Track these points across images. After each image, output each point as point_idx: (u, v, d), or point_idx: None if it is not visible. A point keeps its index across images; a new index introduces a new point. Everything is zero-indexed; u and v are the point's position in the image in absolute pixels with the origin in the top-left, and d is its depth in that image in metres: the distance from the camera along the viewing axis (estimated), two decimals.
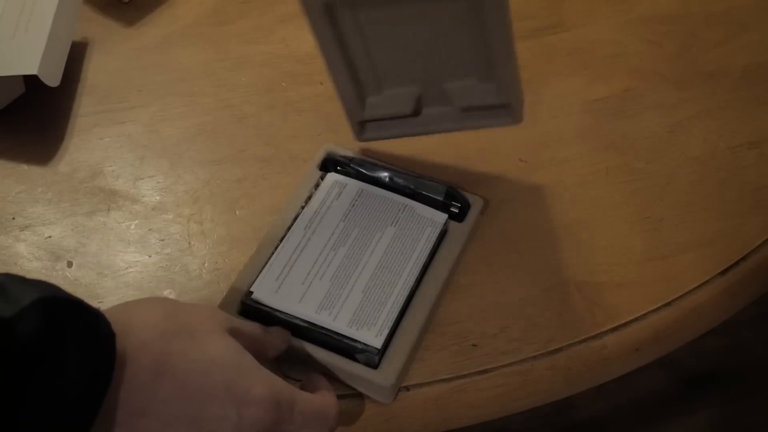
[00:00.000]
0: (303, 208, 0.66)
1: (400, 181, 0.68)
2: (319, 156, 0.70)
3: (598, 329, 0.65)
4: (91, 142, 0.73)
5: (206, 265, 0.66)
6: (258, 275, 0.62)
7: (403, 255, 0.64)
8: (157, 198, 0.70)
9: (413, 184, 0.68)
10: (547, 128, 0.77)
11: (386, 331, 0.60)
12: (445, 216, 0.66)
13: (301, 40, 0.80)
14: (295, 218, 0.66)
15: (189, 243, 0.68)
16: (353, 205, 0.66)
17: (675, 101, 0.79)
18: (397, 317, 0.61)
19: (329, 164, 0.70)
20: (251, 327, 0.58)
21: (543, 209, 0.71)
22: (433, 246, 0.65)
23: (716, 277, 0.68)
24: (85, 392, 0.46)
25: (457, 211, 0.68)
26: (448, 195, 0.68)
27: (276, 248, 0.64)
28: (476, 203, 0.68)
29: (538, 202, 0.72)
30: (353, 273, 0.63)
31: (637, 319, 0.65)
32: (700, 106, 0.79)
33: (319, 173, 0.69)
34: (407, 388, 0.61)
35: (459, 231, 0.67)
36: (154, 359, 0.48)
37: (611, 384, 0.66)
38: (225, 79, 0.77)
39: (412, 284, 0.63)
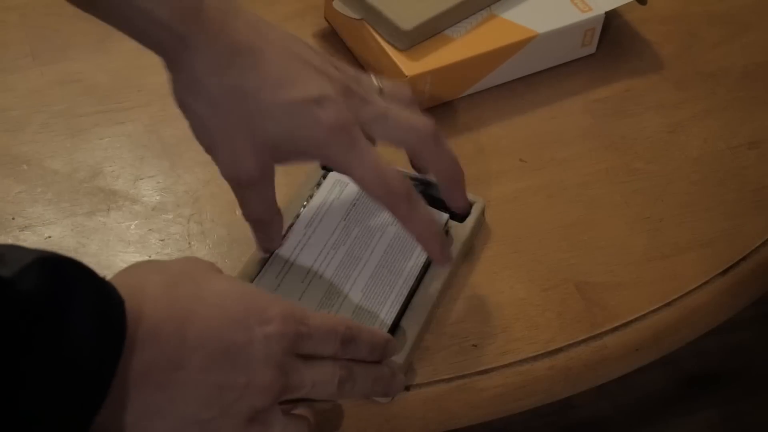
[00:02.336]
0: (304, 207, 0.66)
1: None
2: None
3: (598, 329, 0.65)
4: (91, 142, 0.73)
5: None
6: (258, 273, 0.62)
7: (403, 255, 0.64)
8: (157, 198, 0.70)
9: (414, 183, 0.68)
10: (547, 128, 0.77)
11: (386, 331, 0.60)
12: (446, 216, 0.66)
13: None
14: (296, 217, 0.66)
15: (189, 243, 0.68)
16: (354, 205, 0.66)
17: (675, 101, 0.79)
18: (396, 317, 0.61)
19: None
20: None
21: (543, 209, 0.71)
22: None
23: (716, 277, 0.68)
24: (97, 355, 0.44)
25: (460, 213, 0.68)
26: None
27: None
28: (478, 203, 0.68)
29: (538, 202, 0.72)
30: (353, 272, 0.63)
31: (637, 319, 0.66)
32: (700, 106, 0.79)
33: (321, 172, 0.69)
34: (407, 388, 0.61)
35: (460, 231, 0.67)
36: (169, 310, 0.48)
37: (611, 384, 0.66)
38: None
39: (411, 284, 0.63)
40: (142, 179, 0.71)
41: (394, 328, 0.61)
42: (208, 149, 0.59)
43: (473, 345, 0.63)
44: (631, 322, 0.65)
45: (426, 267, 0.64)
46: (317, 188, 0.68)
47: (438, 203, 0.67)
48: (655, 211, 0.72)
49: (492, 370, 0.62)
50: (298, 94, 0.56)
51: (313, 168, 0.69)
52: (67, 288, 0.44)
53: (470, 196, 0.68)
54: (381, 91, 0.60)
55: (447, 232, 0.66)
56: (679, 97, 0.80)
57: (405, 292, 0.62)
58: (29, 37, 0.79)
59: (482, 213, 0.69)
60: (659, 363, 0.67)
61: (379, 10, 0.74)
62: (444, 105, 0.77)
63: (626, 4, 0.80)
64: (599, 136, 0.76)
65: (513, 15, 0.78)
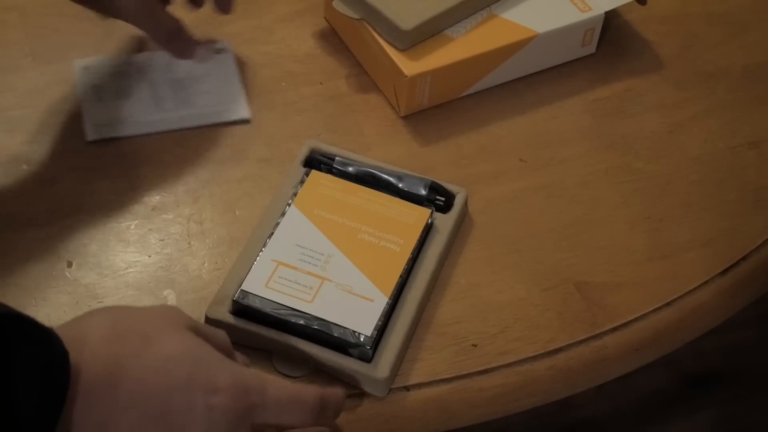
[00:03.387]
0: (289, 205, 0.66)
1: (383, 177, 0.68)
2: (302, 152, 0.70)
3: (598, 329, 0.65)
4: (93, 143, 0.73)
5: (206, 265, 0.66)
6: (248, 274, 0.62)
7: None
8: (157, 198, 0.70)
9: (396, 179, 0.68)
10: (547, 128, 0.77)
11: (378, 325, 0.60)
12: (429, 211, 0.66)
13: (301, 40, 0.80)
14: (282, 215, 0.66)
15: (189, 243, 0.68)
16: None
17: (675, 101, 0.79)
18: (388, 311, 0.61)
19: (313, 161, 0.70)
20: (216, 332, 0.55)
21: (543, 209, 0.71)
22: (420, 239, 0.65)
23: (716, 277, 0.68)
24: (39, 413, 0.44)
25: (442, 203, 0.68)
26: (432, 189, 0.68)
27: (264, 245, 0.64)
28: (460, 194, 0.68)
29: (538, 202, 0.72)
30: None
31: (637, 319, 0.66)
32: (700, 106, 0.79)
33: (303, 170, 0.69)
34: (407, 388, 0.61)
35: (445, 223, 0.67)
36: (106, 368, 0.47)
37: (611, 384, 0.66)
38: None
39: (397, 283, 0.63)
40: (142, 179, 0.71)
41: (386, 322, 0.61)
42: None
43: (473, 345, 0.63)
44: (631, 322, 0.65)
45: (414, 260, 0.64)
46: (301, 185, 0.67)
47: (418, 198, 0.67)
48: (655, 211, 0.72)
49: (492, 370, 0.62)
50: None
51: (295, 165, 0.69)
52: (8, 348, 0.43)
53: (453, 187, 0.69)
54: None
55: (431, 224, 0.66)
56: (679, 97, 0.80)
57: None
58: (29, 37, 0.79)
59: (465, 203, 0.69)
60: (659, 363, 0.67)
61: (379, 10, 0.74)
62: (444, 105, 0.77)
63: (626, 4, 0.80)
64: (599, 136, 0.76)
65: (513, 15, 0.78)
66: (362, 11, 0.76)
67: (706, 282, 0.68)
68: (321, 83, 0.78)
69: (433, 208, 0.67)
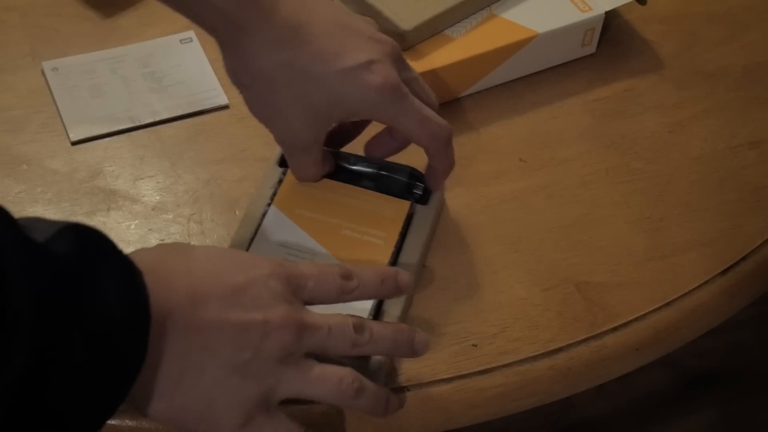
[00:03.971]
0: (269, 205, 0.66)
1: (363, 166, 0.68)
2: (277, 152, 0.69)
3: (598, 329, 0.65)
4: (91, 142, 0.73)
5: None
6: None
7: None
8: (157, 198, 0.70)
9: (377, 167, 0.68)
10: (547, 128, 0.77)
11: (369, 318, 0.60)
12: (408, 203, 0.67)
13: None
14: (263, 216, 0.66)
15: (189, 243, 0.68)
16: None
17: (675, 101, 0.79)
18: (377, 304, 0.62)
19: None
20: None
21: (543, 209, 0.71)
22: (402, 232, 0.65)
23: (716, 277, 0.68)
24: (132, 308, 0.47)
25: (420, 192, 0.68)
26: (412, 176, 0.68)
27: (248, 247, 0.64)
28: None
29: (538, 202, 0.72)
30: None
31: (637, 319, 0.65)
32: (700, 106, 0.79)
33: (280, 170, 0.69)
34: (407, 388, 0.61)
35: (425, 214, 0.67)
36: (168, 269, 0.51)
37: (611, 384, 0.66)
38: (225, 79, 0.77)
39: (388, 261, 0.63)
40: (142, 179, 0.71)
41: (374, 317, 0.61)
42: (265, 122, 0.63)
43: (473, 345, 0.63)
44: (631, 322, 0.65)
45: (397, 253, 0.65)
46: (279, 185, 0.67)
47: (399, 185, 0.67)
48: (655, 211, 0.72)
49: (492, 370, 0.62)
50: (347, 62, 0.60)
51: (270, 166, 0.69)
52: (95, 251, 0.46)
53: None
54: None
55: (411, 216, 0.67)
56: (679, 97, 0.80)
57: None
58: (29, 37, 0.79)
59: (442, 194, 0.69)
60: (659, 363, 0.67)
61: (379, 10, 0.74)
62: (444, 105, 0.77)
63: (626, 4, 0.80)
64: (599, 136, 0.76)
65: (513, 15, 0.78)
66: (362, 11, 0.76)
67: (706, 282, 0.68)
68: None
69: (413, 200, 0.67)
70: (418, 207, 0.67)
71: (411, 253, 0.65)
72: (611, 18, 0.82)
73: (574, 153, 0.75)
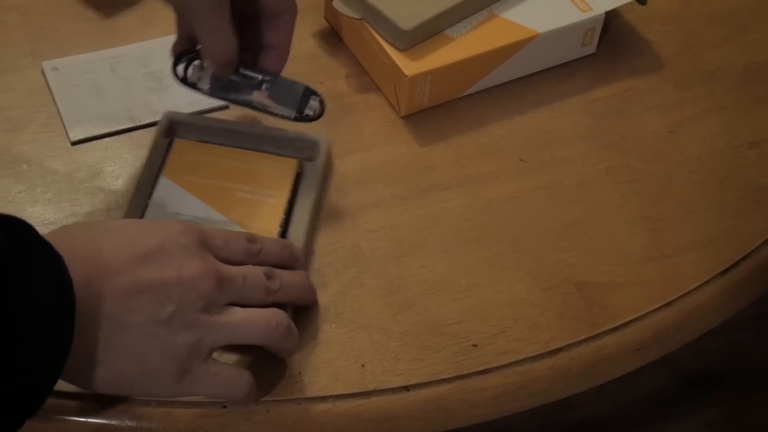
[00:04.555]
0: (159, 176, 0.67)
1: (253, 80, 0.67)
2: (162, 124, 0.70)
3: (598, 329, 0.65)
4: (91, 142, 0.73)
5: None
6: None
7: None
8: None
9: (268, 83, 0.67)
10: (547, 128, 0.77)
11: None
12: (295, 161, 0.68)
13: (301, 40, 0.80)
14: (153, 187, 0.66)
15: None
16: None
17: (675, 101, 0.79)
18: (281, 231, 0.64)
19: (175, 129, 0.70)
20: None
21: (543, 209, 0.71)
22: (293, 188, 0.67)
23: (716, 277, 0.68)
24: (56, 293, 0.48)
25: (312, 113, 0.67)
26: (306, 93, 0.68)
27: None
28: (323, 142, 0.70)
29: (538, 202, 0.72)
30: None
31: (637, 319, 0.66)
32: (700, 106, 0.79)
33: (166, 140, 0.69)
34: (407, 388, 0.61)
35: (313, 170, 0.69)
36: (73, 242, 0.53)
37: (611, 384, 0.66)
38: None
39: (278, 232, 0.64)
40: None
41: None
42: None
43: (473, 345, 0.63)
44: (631, 322, 0.65)
45: (289, 214, 0.66)
46: (168, 154, 0.68)
47: (290, 104, 0.67)
48: (655, 211, 0.72)
49: (492, 370, 0.62)
50: None
51: (156, 136, 0.69)
52: (18, 236, 0.48)
53: (315, 136, 0.70)
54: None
55: (301, 173, 0.68)
56: (679, 97, 0.80)
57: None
58: (29, 37, 0.79)
59: (329, 150, 0.70)
60: (659, 363, 0.67)
61: (379, 9, 0.74)
62: (444, 105, 0.77)
63: (626, 4, 0.80)
64: (599, 136, 0.76)
65: (513, 15, 0.78)
66: (362, 11, 0.76)
67: (706, 282, 0.68)
68: (321, 83, 0.78)
69: (300, 159, 0.69)
70: (306, 164, 0.69)
71: (303, 208, 0.67)
72: (611, 18, 0.82)
73: (574, 153, 0.75)
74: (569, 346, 0.64)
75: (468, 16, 0.77)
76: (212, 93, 0.67)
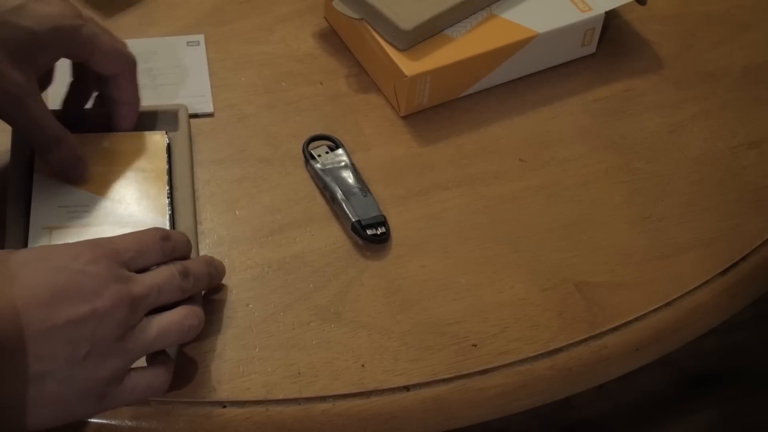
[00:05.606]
0: (31, 176, 0.65)
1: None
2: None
3: (598, 329, 0.65)
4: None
5: None
6: (27, 246, 0.62)
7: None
8: None
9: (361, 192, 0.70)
10: (546, 128, 0.77)
11: None
12: (162, 132, 0.69)
13: (301, 40, 0.80)
14: (29, 188, 0.65)
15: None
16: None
17: (675, 101, 0.79)
18: (173, 226, 0.64)
19: None
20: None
21: (543, 209, 0.71)
22: (168, 159, 0.68)
23: (716, 277, 0.68)
24: None
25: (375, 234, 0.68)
26: (380, 218, 0.68)
27: (28, 217, 0.63)
28: (181, 110, 0.71)
29: (538, 202, 0.72)
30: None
31: (637, 319, 0.66)
32: (700, 106, 0.79)
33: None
34: (407, 388, 0.61)
35: (180, 138, 0.70)
36: None
37: (611, 384, 0.66)
38: (225, 79, 0.77)
39: (167, 203, 0.65)
40: None
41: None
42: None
43: (473, 345, 0.63)
44: (631, 322, 0.65)
45: (171, 185, 0.67)
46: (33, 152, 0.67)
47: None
48: (655, 211, 0.72)
49: (492, 370, 0.62)
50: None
51: (13, 139, 0.68)
52: None
53: (171, 106, 0.71)
54: None
55: (170, 143, 0.69)
56: (679, 97, 0.80)
57: (167, 212, 0.65)
58: None
59: (186, 115, 0.71)
60: (659, 363, 0.67)
61: (379, 10, 0.74)
62: (444, 105, 0.77)
63: (626, 4, 0.80)
64: (599, 136, 0.76)
65: (513, 15, 0.78)
66: (362, 11, 0.76)
67: (706, 282, 0.68)
68: (321, 83, 0.78)
69: (166, 130, 0.69)
70: (172, 134, 0.69)
71: (182, 176, 0.67)
72: (611, 18, 0.82)
73: (574, 153, 0.75)
74: (569, 346, 0.64)
75: (468, 16, 0.77)
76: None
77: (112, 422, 0.57)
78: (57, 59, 0.65)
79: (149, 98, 0.73)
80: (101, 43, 0.64)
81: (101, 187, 0.65)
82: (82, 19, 0.64)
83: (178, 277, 0.57)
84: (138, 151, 0.68)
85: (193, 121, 0.73)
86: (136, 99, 0.68)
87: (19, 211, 0.64)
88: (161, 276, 0.57)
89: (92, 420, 0.57)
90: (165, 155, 0.68)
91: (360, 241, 0.67)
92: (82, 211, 0.64)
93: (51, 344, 0.51)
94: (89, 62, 0.65)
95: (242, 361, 0.61)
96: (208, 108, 0.75)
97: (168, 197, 0.66)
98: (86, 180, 0.65)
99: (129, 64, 0.66)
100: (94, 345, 0.52)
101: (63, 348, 0.51)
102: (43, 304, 0.51)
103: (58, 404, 0.52)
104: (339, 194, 0.69)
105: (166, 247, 0.58)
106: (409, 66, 0.73)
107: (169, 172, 0.67)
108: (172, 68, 0.77)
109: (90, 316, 0.52)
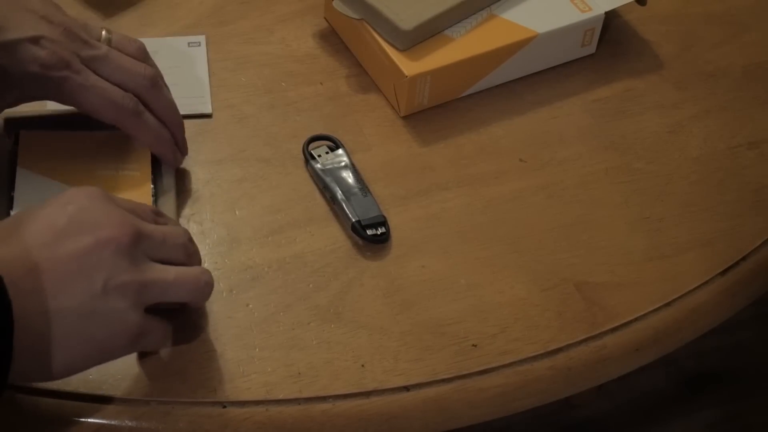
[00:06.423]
0: (16, 169, 0.65)
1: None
2: None
3: (598, 329, 0.65)
4: None
5: (206, 265, 0.66)
6: None
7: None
8: None
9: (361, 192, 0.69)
10: (546, 128, 0.77)
11: None
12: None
13: (301, 40, 0.81)
14: (12, 183, 0.64)
15: None
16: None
17: (675, 101, 0.79)
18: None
19: (19, 127, 0.68)
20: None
21: (543, 209, 0.71)
22: (152, 157, 0.68)
23: (716, 277, 0.68)
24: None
25: (375, 234, 0.68)
26: (380, 218, 0.68)
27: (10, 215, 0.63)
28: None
29: (538, 202, 0.72)
30: None
31: (637, 319, 0.66)
32: (700, 106, 0.79)
33: (11, 136, 0.68)
34: (407, 388, 0.61)
35: None
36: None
37: (611, 384, 0.66)
38: (225, 79, 0.77)
39: (152, 201, 0.66)
40: None
41: None
42: None
43: (473, 345, 0.63)
44: (631, 322, 0.65)
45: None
46: (16, 147, 0.66)
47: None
48: (655, 211, 0.72)
49: (492, 370, 0.62)
50: (10, 35, 0.61)
51: None
52: None
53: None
54: (109, 41, 0.66)
55: None
56: (679, 97, 0.80)
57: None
58: None
59: None
60: (659, 363, 0.67)
61: (379, 10, 0.74)
62: (444, 105, 0.77)
63: (626, 4, 0.80)
64: (599, 136, 0.76)
65: (513, 15, 0.78)
66: (362, 11, 0.76)
67: (706, 282, 0.68)
68: (321, 83, 0.78)
69: None
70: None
71: (168, 175, 0.67)
72: (611, 18, 0.82)
73: (573, 153, 0.75)
74: (569, 346, 0.64)
75: (468, 17, 0.77)
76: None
77: (112, 422, 0.57)
78: (28, 101, 0.65)
79: None
80: (87, 99, 0.63)
81: (85, 183, 0.63)
82: (69, 69, 0.62)
83: (182, 236, 0.58)
84: (123, 150, 0.67)
85: (192, 121, 0.73)
86: (156, 138, 0.66)
87: (1, 207, 0.64)
88: (168, 228, 0.57)
89: (92, 420, 0.57)
90: (149, 155, 0.67)
91: (360, 241, 0.67)
92: None
93: (63, 279, 0.51)
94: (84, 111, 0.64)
95: (242, 361, 0.61)
96: (207, 109, 0.75)
97: (153, 196, 0.66)
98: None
99: (125, 112, 0.64)
100: (108, 277, 0.52)
101: (76, 282, 0.52)
102: (49, 243, 0.51)
103: (87, 342, 0.52)
104: (339, 194, 0.69)
105: (159, 220, 0.59)
106: (409, 66, 0.74)
107: (154, 172, 0.67)
108: (172, 68, 0.77)
109: (94, 245, 0.52)
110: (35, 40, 0.61)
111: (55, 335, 0.51)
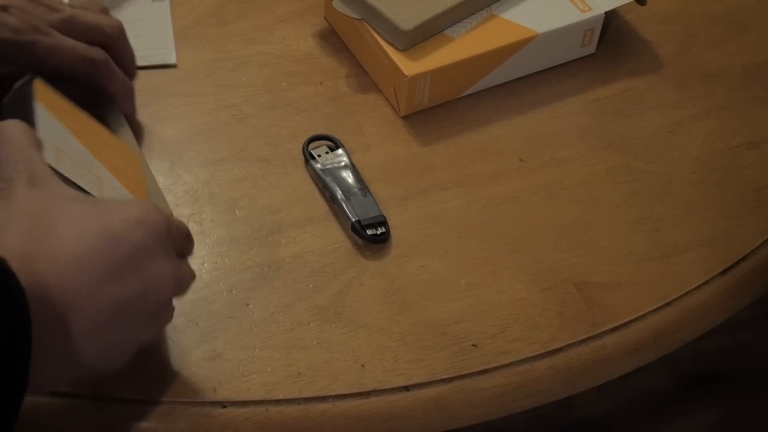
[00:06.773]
0: (33, 101, 0.63)
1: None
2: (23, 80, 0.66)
3: (598, 329, 0.65)
4: None
5: (206, 265, 0.66)
6: None
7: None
8: None
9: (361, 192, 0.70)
10: (546, 128, 0.77)
11: None
12: (140, 155, 0.69)
13: (301, 40, 0.81)
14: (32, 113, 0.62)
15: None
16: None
17: (675, 101, 0.79)
18: None
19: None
20: None
21: (543, 209, 0.71)
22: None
23: (716, 277, 0.68)
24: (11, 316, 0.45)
25: (375, 234, 0.68)
26: (380, 218, 0.69)
27: None
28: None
29: (538, 202, 0.72)
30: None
31: (637, 319, 0.66)
32: (700, 106, 0.79)
33: (28, 79, 0.65)
34: (407, 388, 0.61)
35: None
36: (31, 264, 0.47)
37: (611, 384, 0.66)
38: (225, 79, 0.77)
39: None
40: None
41: None
42: None
43: (473, 345, 0.63)
44: (631, 322, 0.65)
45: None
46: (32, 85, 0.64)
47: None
48: (655, 211, 0.72)
49: (492, 370, 0.62)
50: None
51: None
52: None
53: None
54: (71, 3, 0.69)
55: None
56: (679, 97, 0.80)
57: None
58: None
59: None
60: (659, 363, 0.67)
61: (379, 10, 0.74)
62: (444, 105, 0.77)
63: (626, 4, 0.80)
64: (599, 136, 0.76)
65: (513, 15, 0.78)
66: (362, 11, 0.76)
67: (706, 282, 0.68)
68: (321, 83, 0.78)
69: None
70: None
71: (124, 125, 0.68)
72: (611, 18, 0.82)
73: (573, 153, 0.75)
74: (569, 346, 0.64)
75: (468, 17, 0.77)
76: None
77: (112, 422, 0.57)
78: (1, 68, 0.65)
79: None
80: (59, 58, 0.65)
81: (90, 140, 0.63)
82: (39, 33, 0.64)
83: (186, 227, 0.59)
84: (119, 153, 0.67)
85: (191, 120, 0.73)
86: (123, 87, 0.69)
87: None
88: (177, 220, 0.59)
89: (92, 420, 0.57)
90: (144, 173, 0.67)
91: (360, 241, 0.67)
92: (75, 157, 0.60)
93: (106, 324, 0.50)
94: (56, 71, 0.65)
95: (242, 361, 0.61)
96: (171, 59, 0.77)
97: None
98: None
99: (96, 64, 0.66)
100: (145, 320, 0.53)
101: (120, 321, 0.51)
102: (94, 284, 0.49)
103: (118, 314, 0.51)
104: (339, 194, 0.69)
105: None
106: (408, 66, 0.74)
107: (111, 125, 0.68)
108: (135, 23, 0.78)
109: (142, 295, 0.51)
110: (3, 8, 0.63)
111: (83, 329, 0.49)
